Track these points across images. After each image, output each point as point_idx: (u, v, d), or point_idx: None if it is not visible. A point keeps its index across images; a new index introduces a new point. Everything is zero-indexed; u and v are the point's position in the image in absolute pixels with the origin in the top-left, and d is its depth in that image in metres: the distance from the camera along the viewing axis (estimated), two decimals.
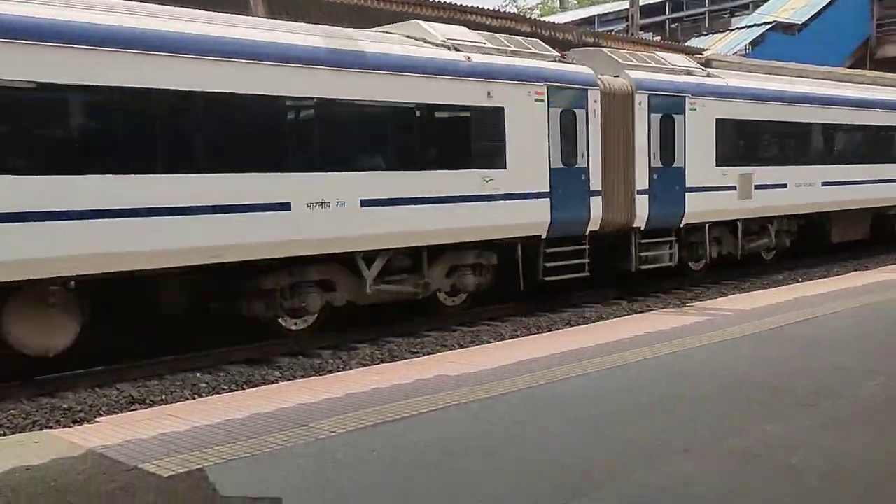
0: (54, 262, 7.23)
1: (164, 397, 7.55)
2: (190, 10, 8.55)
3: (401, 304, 10.31)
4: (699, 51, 22.97)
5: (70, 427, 5.25)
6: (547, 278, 11.22)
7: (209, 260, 8.14)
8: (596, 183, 11.57)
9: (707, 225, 13.34)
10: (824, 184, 15.13)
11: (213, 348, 9.05)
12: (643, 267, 12.61)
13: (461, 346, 9.27)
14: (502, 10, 30.19)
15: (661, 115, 12.44)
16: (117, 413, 6.57)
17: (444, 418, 4.51)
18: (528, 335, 9.62)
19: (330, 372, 8.40)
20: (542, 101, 10.96)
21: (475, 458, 3.81)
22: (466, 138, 10.39)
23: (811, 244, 16.03)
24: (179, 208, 7.89)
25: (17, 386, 7.41)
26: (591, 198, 11.56)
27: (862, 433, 3.98)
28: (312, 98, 8.88)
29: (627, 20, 24.54)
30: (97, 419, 5.00)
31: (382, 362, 8.90)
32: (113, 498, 3.41)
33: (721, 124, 13.30)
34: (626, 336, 6.87)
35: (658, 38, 28.73)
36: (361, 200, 9.14)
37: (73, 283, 7.64)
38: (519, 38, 11.99)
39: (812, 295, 9.01)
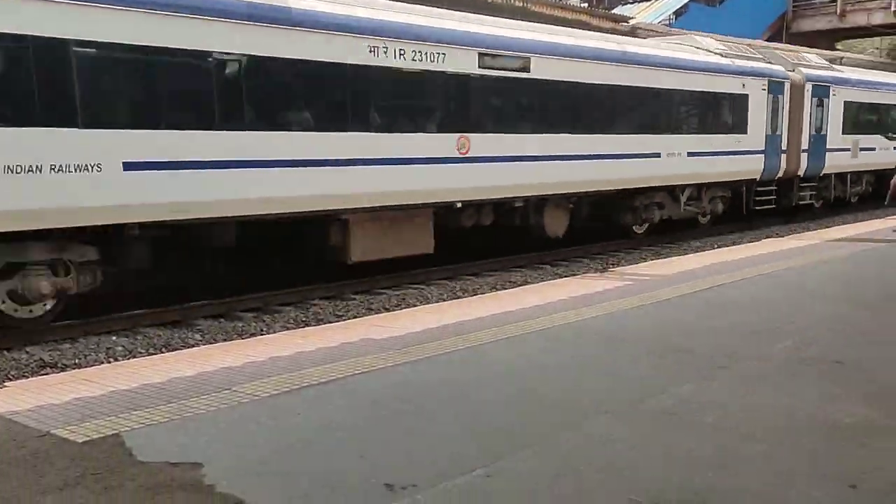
0: None
1: (77, 361, 7.34)
2: None
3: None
4: (625, 18, 23.17)
5: None
6: (756, 208, 17.18)
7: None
8: (784, 145, 17.26)
9: (833, 175, 19.38)
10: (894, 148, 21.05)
11: (130, 310, 8.83)
12: (800, 203, 18.56)
13: (387, 310, 9.26)
14: None
15: (817, 98, 18.07)
16: (27, 377, 6.36)
17: (370, 382, 4.49)
18: (455, 299, 9.67)
19: (253, 335, 8.29)
20: (765, 90, 16.61)
21: (400, 421, 3.81)
22: (730, 113, 16.08)
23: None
24: None
25: None
26: (782, 154, 17.29)
27: (770, 392, 4.14)
28: (682, 90, 14.90)
29: None
30: (5, 384, 4.80)
31: (307, 325, 8.83)
32: (24, 464, 3.29)
33: (847, 105, 19.23)
34: (551, 300, 6.96)
35: (586, 4, 28.83)
36: (688, 153, 14.96)
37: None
38: (747, 45, 19.01)
39: (727, 261, 9.29)
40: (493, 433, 3.62)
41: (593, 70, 12.82)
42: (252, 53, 8.78)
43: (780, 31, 35.73)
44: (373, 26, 9.91)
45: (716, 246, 14.36)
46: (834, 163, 18.91)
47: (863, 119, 20.18)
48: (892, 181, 14.63)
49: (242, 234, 9.38)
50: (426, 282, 11.39)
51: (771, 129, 16.79)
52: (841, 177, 19.89)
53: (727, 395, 4.10)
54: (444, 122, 11.00)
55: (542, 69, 11.98)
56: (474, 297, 9.13)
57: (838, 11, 35.90)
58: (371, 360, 4.92)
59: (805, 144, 17.89)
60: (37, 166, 7.19)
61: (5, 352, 7.31)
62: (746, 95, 16.17)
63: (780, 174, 17.39)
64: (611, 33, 16.71)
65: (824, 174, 18.93)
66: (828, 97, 18.46)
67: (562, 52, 12.43)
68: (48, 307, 7.96)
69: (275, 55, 8.93)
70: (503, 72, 11.53)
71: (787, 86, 17.17)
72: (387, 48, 10.02)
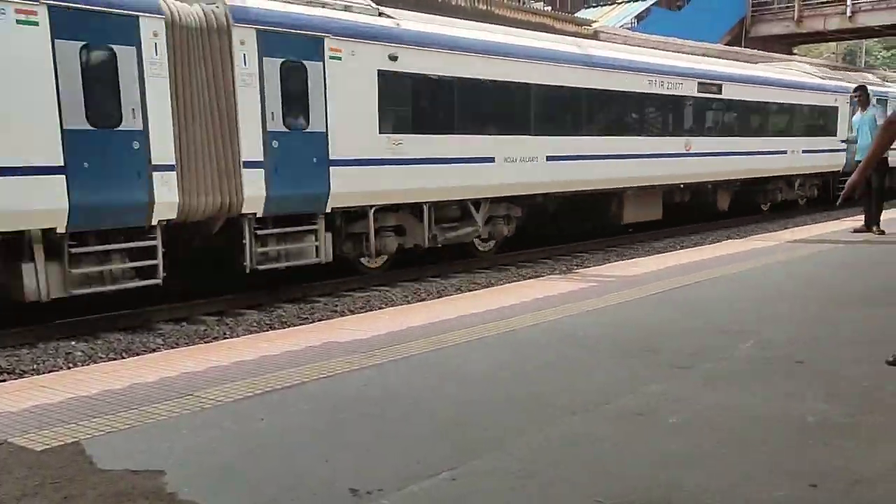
0: None
1: (35, 367, 7.20)
2: None
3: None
4: (588, 22, 23.34)
5: None
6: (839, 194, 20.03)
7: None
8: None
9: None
10: None
11: (89, 314, 8.68)
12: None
13: (352, 312, 9.23)
14: None
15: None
16: None
17: (335, 385, 4.46)
18: (420, 301, 9.67)
19: (216, 339, 8.21)
20: (847, 103, 20.07)
21: (368, 423, 3.78)
22: (826, 121, 21.43)
23: None
24: None
25: None
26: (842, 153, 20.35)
27: (735, 391, 4.19)
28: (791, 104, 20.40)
29: None
30: None
31: (271, 329, 8.77)
32: None
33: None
34: (516, 302, 6.97)
35: (549, 7, 28.96)
36: (802, 150, 20.44)
37: None
38: (826, 66, 24.71)
39: (690, 262, 9.39)
40: (458, 436, 3.61)
41: (760, 92, 19.14)
42: (592, 87, 14.49)
43: (740, 36, 36.28)
44: (649, 67, 15.92)
45: (678, 247, 14.53)
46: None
47: None
48: (847, 182, 14.85)
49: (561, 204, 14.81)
50: (391, 283, 11.37)
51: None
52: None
53: (692, 395, 4.14)
54: (675, 129, 16.97)
55: (730, 92, 18.06)
56: (439, 299, 9.14)
57: (796, 17, 36.58)
58: (336, 364, 4.88)
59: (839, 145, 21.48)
60: (532, 157, 13.34)
61: None
62: (836, 108, 21.66)
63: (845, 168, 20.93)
64: (574, 36, 16.80)
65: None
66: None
67: (741, 78, 18.70)
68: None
69: (605, 88, 14.80)
70: (707, 94, 17.41)
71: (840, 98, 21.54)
72: (653, 80, 15.88)
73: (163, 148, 8.81)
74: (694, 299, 7.07)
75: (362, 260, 11.57)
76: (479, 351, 5.22)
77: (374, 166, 10.94)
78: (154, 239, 8.88)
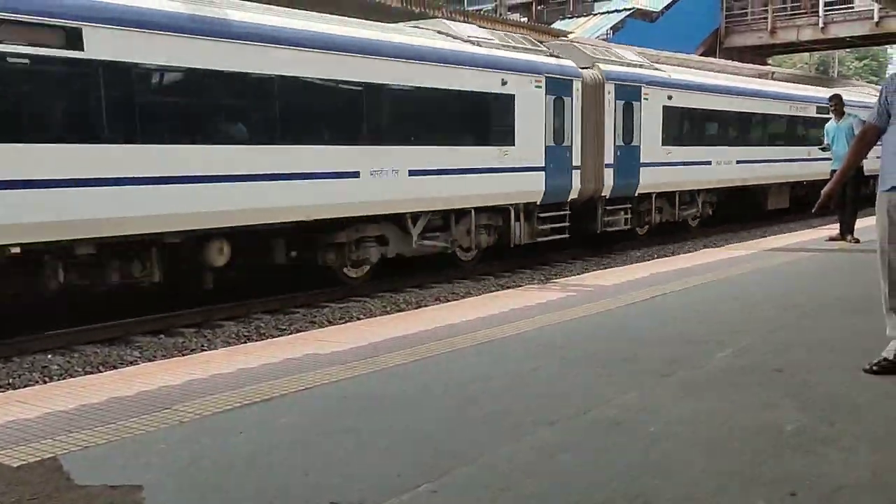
0: None
1: (10, 381, 7.11)
2: None
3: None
4: (564, 33, 23.53)
5: None
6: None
7: None
8: None
9: None
10: None
11: (65, 327, 8.59)
12: None
13: (331, 323, 9.20)
14: None
15: None
16: None
17: (314, 398, 4.44)
18: (399, 311, 9.66)
19: (194, 351, 8.15)
20: None
21: (346, 437, 3.77)
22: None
23: None
24: None
25: None
26: None
27: (713, 400, 4.22)
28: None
29: (496, 0, 24.79)
30: None
31: (249, 340, 8.72)
32: None
33: None
34: (494, 312, 6.99)
35: (525, 19, 29.17)
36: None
37: None
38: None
39: (667, 271, 9.46)
40: (438, 448, 3.61)
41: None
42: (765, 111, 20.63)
43: (714, 46, 36.68)
44: (790, 96, 21.90)
45: (655, 257, 14.62)
46: None
47: None
48: (823, 191, 15.04)
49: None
50: (370, 294, 11.35)
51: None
52: None
53: (671, 404, 4.16)
54: (801, 140, 21.60)
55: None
56: (418, 310, 9.14)
57: (769, 28, 37.03)
58: (315, 376, 4.87)
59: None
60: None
61: None
62: None
63: None
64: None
65: None
66: None
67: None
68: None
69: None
70: (813, 115, 22.05)
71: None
72: (792, 105, 21.42)
73: (577, 156, 14.76)
74: (672, 308, 7.12)
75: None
76: (458, 362, 5.22)
77: (657, 167, 16.88)
78: (566, 209, 14.79)
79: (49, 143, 8.09)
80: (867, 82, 43.81)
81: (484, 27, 15.64)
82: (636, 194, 16.43)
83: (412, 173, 11.45)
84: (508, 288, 11.22)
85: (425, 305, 10.41)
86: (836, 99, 12.38)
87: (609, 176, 15.51)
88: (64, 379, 7.09)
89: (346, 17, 11.59)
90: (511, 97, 13.19)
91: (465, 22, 16.69)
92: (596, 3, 38.38)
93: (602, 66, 15.60)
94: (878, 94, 4.81)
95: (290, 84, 9.99)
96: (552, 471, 3.32)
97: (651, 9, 34.02)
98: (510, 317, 6.74)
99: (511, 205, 13.46)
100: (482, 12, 25.15)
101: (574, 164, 14.59)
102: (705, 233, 19.03)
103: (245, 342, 8.44)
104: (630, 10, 33.25)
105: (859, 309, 6.42)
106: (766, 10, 36.91)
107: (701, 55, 30.71)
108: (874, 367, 4.60)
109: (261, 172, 9.68)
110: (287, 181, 9.94)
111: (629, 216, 16.45)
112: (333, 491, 3.12)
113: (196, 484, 3.24)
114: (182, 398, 4.43)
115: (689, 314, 6.81)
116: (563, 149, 14.34)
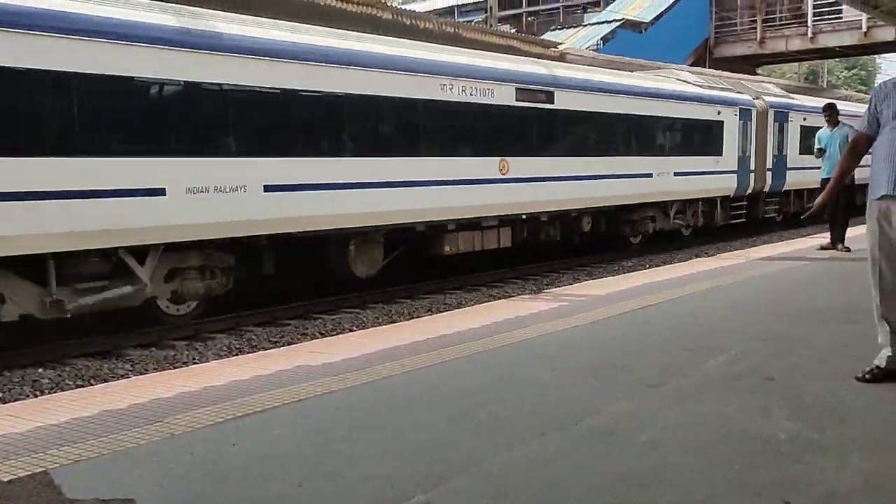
0: None
1: (1, 395, 7.08)
2: None
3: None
4: (554, 44, 23.62)
5: None
6: None
7: None
8: None
9: None
10: None
11: (55, 341, 8.55)
12: None
13: (322, 335, 9.18)
14: None
15: None
16: None
17: (306, 409, 4.43)
18: (391, 322, 9.64)
19: (185, 364, 8.12)
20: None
21: (338, 448, 3.76)
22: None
23: None
24: None
25: None
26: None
27: (705, 408, 4.23)
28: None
29: (486, 11, 24.89)
30: None
31: (241, 352, 8.68)
32: None
33: None
34: (486, 322, 6.99)
35: (515, 30, 29.28)
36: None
37: None
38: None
39: (659, 280, 9.48)
40: (431, 458, 3.60)
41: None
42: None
43: (704, 57, 36.88)
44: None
45: (647, 266, 14.65)
46: None
47: None
48: (816, 201, 15.13)
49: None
50: (361, 306, 11.34)
51: None
52: None
53: (663, 412, 4.17)
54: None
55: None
56: (410, 321, 9.12)
57: (758, 38, 37.24)
58: (307, 388, 4.85)
59: None
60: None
61: None
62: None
63: None
64: (540, 58, 17.01)
65: None
66: None
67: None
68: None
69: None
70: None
71: None
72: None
73: (752, 163, 20.25)
74: (664, 317, 7.14)
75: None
76: (450, 372, 5.22)
77: (797, 171, 21.74)
78: (744, 202, 20.70)
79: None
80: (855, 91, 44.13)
81: (475, 38, 15.73)
82: (783, 190, 22.22)
83: (676, 174, 17.45)
84: (500, 298, 11.22)
85: (418, 316, 10.41)
86: (831, 108, 12.54)
87: (769, 177, 21.23)
88: (55, 392, 7.05)
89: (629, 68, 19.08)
90: (722, 122, 19.03)
91: (455, 34, 16.78)
92: (586, 14, 38.59)
93: (765, 97, 21.22)
94: (867, 104, 4.85)
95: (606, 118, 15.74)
96: (545, 479, 3.32)
97: (641, 20, 34.19)
98: (502, 327, 6.74)
99: (718, 197, 19.46)
100: (473, 24, 25.25)
101: (750, 168, 20.27)
102: (697, 242, 19.09)
103: (237, 354, 8.41)
104: (620, 20, 33.41)
105: (851, 317, 6.45)
106: (755, 21, 37.15)
107: (690, 65, 30.87)
108: (866, 376, 4.62)
109: (598, 174, 15.38)
110: (624, 179, 16.18)
111: (776, 207, 22.30)
112: (327, 502, 3.11)
113: (188, 497, 3.23)
114: (174, 411, 4.41)
115: (680, 323, 6.82)
116: (745, 158, 20.04)
